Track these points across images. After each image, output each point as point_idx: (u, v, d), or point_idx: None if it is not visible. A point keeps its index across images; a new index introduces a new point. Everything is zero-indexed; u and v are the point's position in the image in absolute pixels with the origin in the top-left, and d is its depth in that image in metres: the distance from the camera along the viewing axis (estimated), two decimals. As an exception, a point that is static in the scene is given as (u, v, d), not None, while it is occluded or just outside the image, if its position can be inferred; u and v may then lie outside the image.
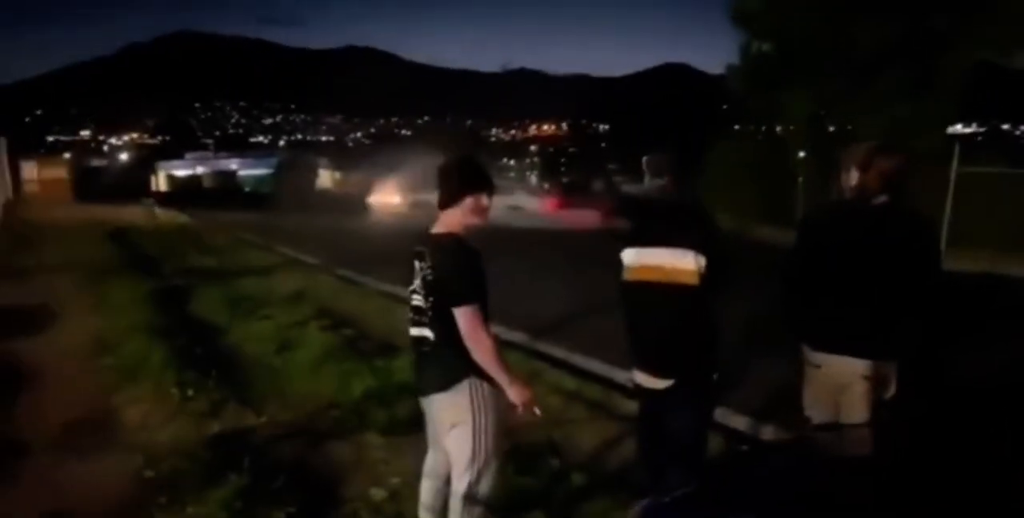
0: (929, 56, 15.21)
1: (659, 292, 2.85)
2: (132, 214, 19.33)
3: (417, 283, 2.60)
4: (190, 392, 4.73)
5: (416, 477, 2.93)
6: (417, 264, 2.60)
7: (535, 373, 5.32)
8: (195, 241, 14.21)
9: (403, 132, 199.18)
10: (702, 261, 2.75)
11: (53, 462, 3.89)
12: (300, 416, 4.56)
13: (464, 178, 2.60)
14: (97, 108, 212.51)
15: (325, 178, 51.02)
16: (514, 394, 2.48)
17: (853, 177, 2.81)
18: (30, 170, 32.77)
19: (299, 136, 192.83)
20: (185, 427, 4.27)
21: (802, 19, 15.88)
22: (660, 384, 2.87)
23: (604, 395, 4.90)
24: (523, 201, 25.45)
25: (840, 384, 2.78)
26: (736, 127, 27.70)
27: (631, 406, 4.61)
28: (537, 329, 6.82)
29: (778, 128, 21.56)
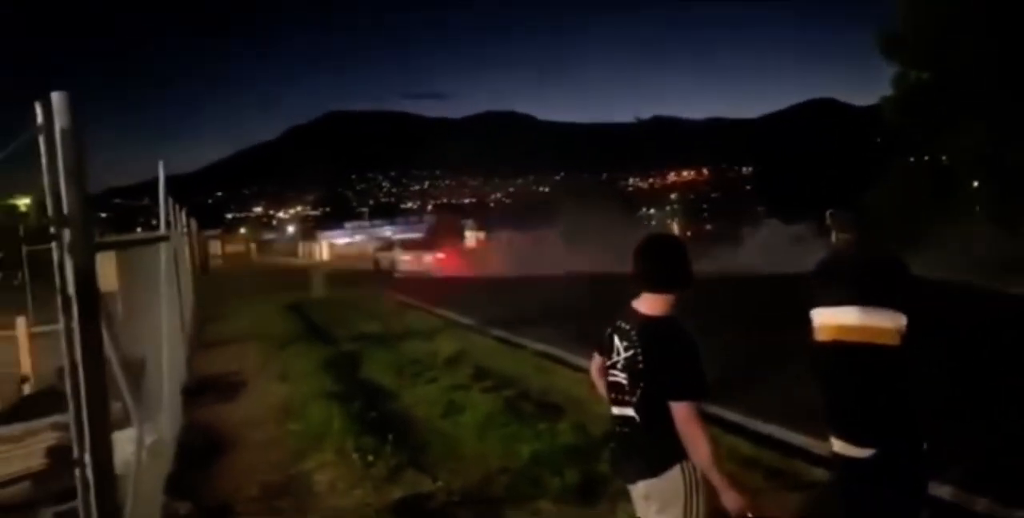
0: None
1: (857, 353, 2.67)
2: (303, 283, 20.90)
3: (619, 362, 2.52)
4: (370, 457, 4.97)
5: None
6: (618, 341, 2.53)
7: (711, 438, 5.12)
8: (360, 306, 15.12)
9: (541, 189, 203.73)
10: (902, 320, 2.58)
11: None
12: (473, 481, 4.65)
13: (689, 266, 2.50)
14: (266, 186, 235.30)
15: (471, 238, 53.07)
16: (728, 499, 2.31)
17: None
18: (215, 246, 36.71)
19: (444, 200, 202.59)
20: (369, 492, 4.49)
21: (966, 43, 14.77)
22: (860, 453, 2.66)
23: (784, 462, 4.62)
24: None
25: None
26: (893, 160, 26.02)
27: (813, 474, 4.32)
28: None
29: (943, 159, 20.04)
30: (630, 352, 2.47)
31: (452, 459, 5.15)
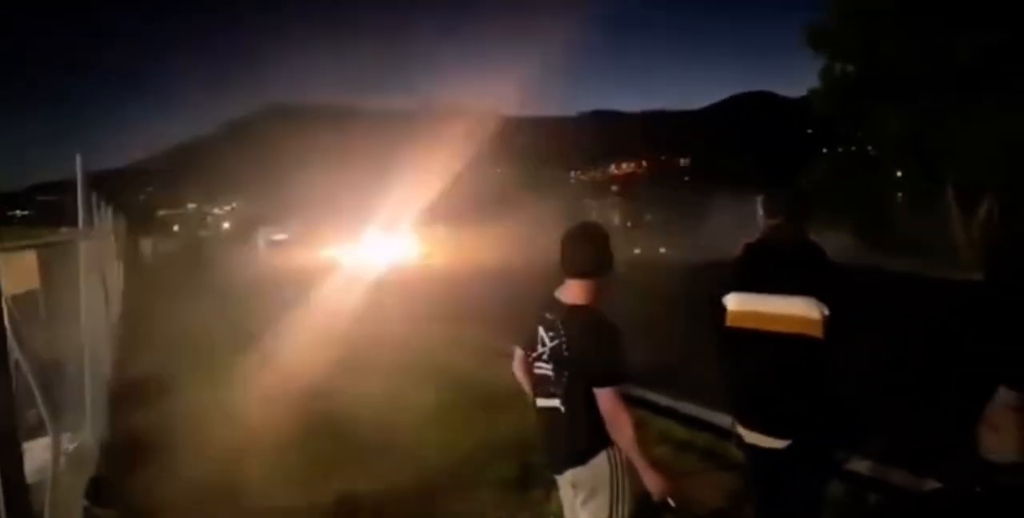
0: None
1: (778, 343, 2.58)
2: (237, 281, 20.39)
3: (544, 353, 2.52)
4: (307, 455, 4.89)
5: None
6: (543, 332, 2.53)
7: (640, 422, 5.22)
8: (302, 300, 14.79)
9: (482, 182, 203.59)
10: (825, 310, 2.50)
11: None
12: (412, 474, 4.63)
13: (609, 252, 2.54)
14: (200, 182, 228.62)
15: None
16: (650, 481, 2.37)
17: None
18: (146, 245, 35.49)
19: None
20: (305, 490, 4.42)
21: (887, 35, 15.39)
22: (777, 444, 2.62)
23: (717, 444, 4.74)
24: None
25: None
26: (824, 150, 26.97)
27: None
28: (638, 375, 6.70)
29: (869, 148, 20.87)
30: (555, 342, 2.48)
31: (393, 453, 5.11)
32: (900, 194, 20.14)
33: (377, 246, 30.04)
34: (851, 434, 2.72)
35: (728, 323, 2.76)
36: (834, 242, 16.13)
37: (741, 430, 2.76)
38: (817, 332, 2.51)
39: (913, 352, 6.86)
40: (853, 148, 23.42)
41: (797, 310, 2.55)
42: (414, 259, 27.28)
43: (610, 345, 2.41)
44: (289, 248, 40.61)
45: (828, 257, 2.70)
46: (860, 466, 4.13)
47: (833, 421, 2.62)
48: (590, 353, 2.41)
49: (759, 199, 2.85)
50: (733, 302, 2.76)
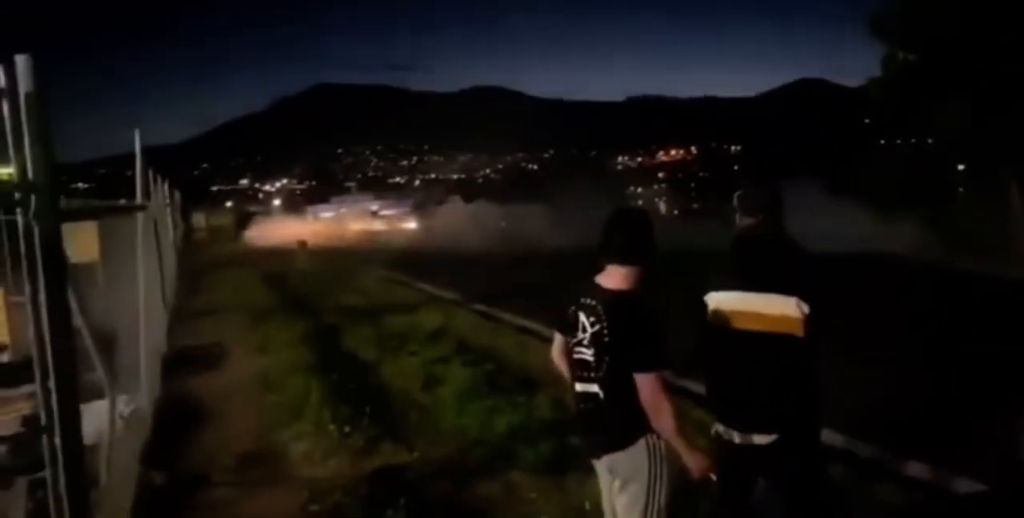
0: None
1: (759, 341, 2.57)
2: (288, 255, 20.83)
3: (585, 338, 2.52)
4: (347, 429, 5.01)
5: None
6: (584, 318, 2.52)
7: (678, 411, 5.18)
8: (344, 280, 15.08)
9: (530, 166, 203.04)
10: (805, 308, 2.48)
11: (231, 494, 4.24)
12: (449, 452, 4.70)
13: (653, 239, 2.52)
14: (253, 159, 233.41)
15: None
16: (692, 461, 2.39)
17: None
18: (199, 219, 36.51)
19: (432, 175, 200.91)
20: (344, 463, 4.53)
21: (949, 28, 14.80)
22: (761, 439, 2.58)
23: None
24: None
25: None
26: (881, 141, 26.20)
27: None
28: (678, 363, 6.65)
29: (929, 140, 20.16)
30: (596, 327, 2.47)
31: (430, 431, 5.19)
32: (961, 189, 19.45)
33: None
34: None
35: (709, 321, 2.75)
36: (893, 235, 15.71)
37: (720, 426, 2.73)
38: (798, 331, 2.50)
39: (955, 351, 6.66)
40: (913, 140, 22.67)
41: (778, 309, 2.53)
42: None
43: (652, 331, 2.40)
44: (334, 222, 41.61)
45: (808, 253, 2.66)
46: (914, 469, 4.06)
47: (817, 416, 2.61)
48: (631, 339, 2.40)
49: (736, 196, 2.79)
50: (714, 301, 2.75)
